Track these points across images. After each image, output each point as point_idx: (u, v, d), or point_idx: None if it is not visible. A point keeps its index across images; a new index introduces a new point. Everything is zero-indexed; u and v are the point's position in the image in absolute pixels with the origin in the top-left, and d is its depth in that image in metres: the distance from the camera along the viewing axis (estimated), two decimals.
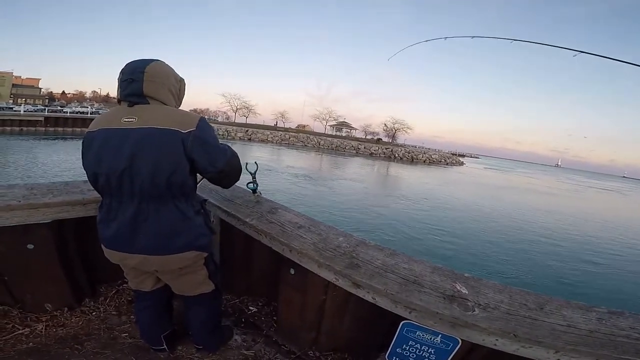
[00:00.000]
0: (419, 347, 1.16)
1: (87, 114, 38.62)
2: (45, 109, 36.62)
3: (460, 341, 1.08)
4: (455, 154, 79.14)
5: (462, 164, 60.24)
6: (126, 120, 1.16)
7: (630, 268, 9.87)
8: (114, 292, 1.94)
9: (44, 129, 29.45)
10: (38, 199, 1.53)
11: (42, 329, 1.59)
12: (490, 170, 61.56)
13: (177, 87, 1.32)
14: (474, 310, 1.03)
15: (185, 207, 1.26)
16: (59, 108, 43.23)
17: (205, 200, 1.48)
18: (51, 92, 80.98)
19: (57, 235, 1.64)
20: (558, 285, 7.66)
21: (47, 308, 1.69)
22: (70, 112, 37.52)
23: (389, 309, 1.16)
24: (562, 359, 0.94)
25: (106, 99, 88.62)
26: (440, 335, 1.10)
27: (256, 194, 1.82)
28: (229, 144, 1.38)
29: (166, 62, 1.29)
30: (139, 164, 1.14)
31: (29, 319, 1.64)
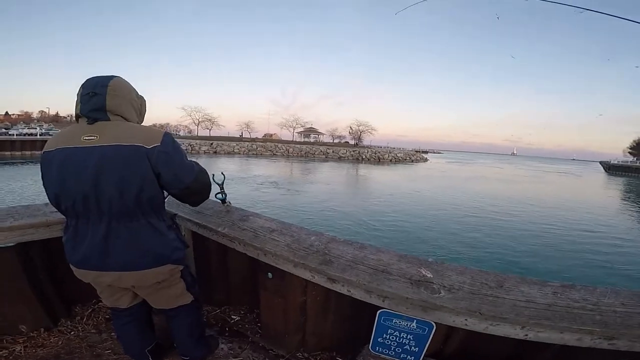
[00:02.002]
0: (398, 335, 1.22)
1: (37, 135, 35.59)
2: None
3: (434, 325, 1.14)
4: (419, 151, 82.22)
5: (426, 160, 62.65)
6: (87, 138, 1.13)
7: (579, 242, 10.81)
8: (90, 311, 1.94)
9: None
10: None
11: (20, 350, 1.61)
12: (452, 163, 64.36)
13: (139, 102, 1.32)
14: (440, 293, 1.09)
15: (157, 223, 1.26)
16: (4, 130, 39.76)
17: (175, 214, 1.53)
18: None
19: (23, 257, 1.66)
20: (513, 266, 8.16)
21: (22, 330, 1.70)
22: (17, 135, 34.59)
23: (365, 300, 1.21)
24: (529, 334, 1.00)
25: (56, 119, 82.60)
26: (415, 321, 1.16)
27: (225, 204, 1.83)
28: (195, 159, 1.38)
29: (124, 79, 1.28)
30: (104, 184, 1.12)
31: (4, 341, 1.65)
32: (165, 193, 1.32)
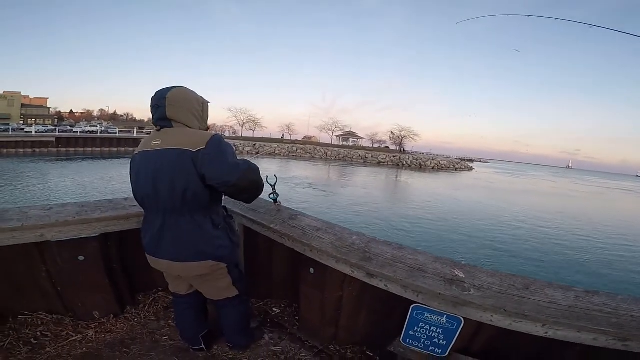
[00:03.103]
0: (429, 328, 1.33)
1: (97, 132, 37.86)
2: (55, 129, 36.32)
3: (462, 320, 1.24)
4: (464, 159, 78.41)
5: (471, 169, 59.56)
6: (154, 143, 1.35)
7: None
8: (151, 299, 2.11)
9: (56, 149, 29.06)
10: (89, 214, 1.72)
11: (92, 335, 1.75)
12: (501, 174, 60.83)
13: (200, 109, 1.44)
14: (470, 291, 1.21)
15: (202, 220, 1.38)
16: (69, 128, 42.86)
17: (228, 215, 1.60)
18: (59, 111, 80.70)
19: (104, 247, 1.82)
20: (543, 272, 8.30)
21: (95, 316, 1.84)
22: (80, 132, 36.87)
23: (400, 294, 1.34)
24: (549, 332, 1.10)
25: (114, 117, 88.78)
26: (445, 316, 1.27)
27: (277, 204, 2.01)
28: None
29: (187, 87, 1.43)
30: (159, 182, 1.31)
31: (80, 326, 1.79)
32: (217, 194, 1.42)
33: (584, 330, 1.05)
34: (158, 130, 1.39)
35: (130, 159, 1.46)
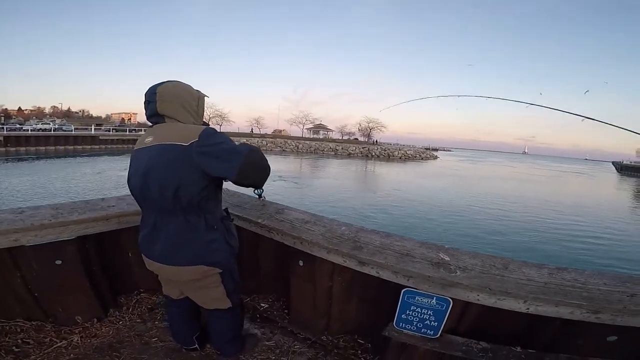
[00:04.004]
0: (420, 311, 1.39)
1: (51, 130, 35.20)
2: (3, 127, 33.02)
3: (451, 301, 1.32)
4: (429, 149, 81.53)
5: (436, 157, 62.09)
6: (147, 140, 1.30)
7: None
8: (134, 301, 2.05)
9: (4, 149, 26.57)
10: (66, 217, 1.66)
11: (78, 340, 1.68)
12: (463, 161, 63.90)
13: (195, 103, 1.36)
14: (456, 272, 1.30)
15: (196, 221, 1.30)
16: (18, 126, 39.16)
17: (227, 216, 1.48)
18: (6, 108, 74.60)
19: (82, 250, 1.75)
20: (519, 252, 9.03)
21: (78, 320, 1.78)
22: (31, 130, 33.96)
23: (391, 280, 1.40)
24: (530, 307, 1.20)
25: (68, 114, 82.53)
26: (435, 298, 1.34)
27: (261, 199, 2.00)
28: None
29: (182, 81, 1.36)
30: (150, 180, 1.25)
31: (63, 331, 1.72)
32: (213, 192, 1.35)
33: (560, 304, 1.16)
34: (151, 127, 1.35)
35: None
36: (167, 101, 1.30)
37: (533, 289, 1.20)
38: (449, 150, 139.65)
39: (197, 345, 1.65)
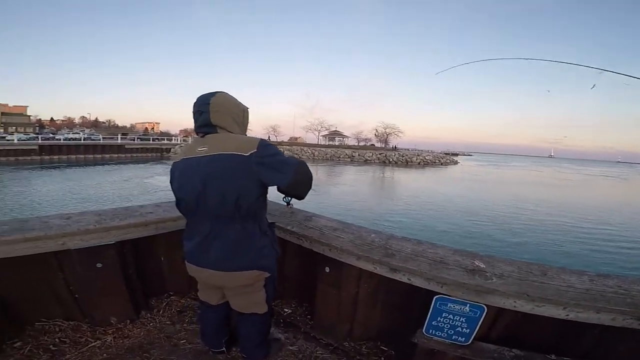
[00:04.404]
0: (452, 318, 1.38)
1: (80, 139, 37.11)
2: (38, 137, 35.37)
3: (485, 308, 1.30)
4: (449, 154, 79.83)
5: (456, 162, 60.59)
6: (200, 149, 1.31)
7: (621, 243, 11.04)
8: (164, 304, 2.12)
9: (39, 157, 28.40)
10: (108, 222, 1.75)
11: (111, 340, 1.75)
12: (485, 166, 62.24)
13: (241, 115, 1.42)
14: (493, 279, 1.28)
15: (252, 228, 1.35)
16: (51, 135, 41.88)
17: (273, 222, 1.56)
18: (40, 119, 78.94)
19: (120, 254, 1.83)
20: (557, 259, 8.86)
21: (112, 321, 1.86)
22: (63, 139, 36.20)
23: (423, 286, 1.40)
24: (570, 314, 1.18)
25: (96, 124, 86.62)
26: (468, 305, 1.33)
27: (289, 206, 1.99)
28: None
29: (228, 93, 1.41)
30: (210, 188, 1.27)
31: (97, 332, 1.80)
32: (264, 200, 1.41)
33: (602, 311, 1.13)
34: (202, 137, 1.36)
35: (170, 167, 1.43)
36: (219, 112, 1.34)
37: (574, 295, 1.18)
38: (469, 155, 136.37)
39: (224, 349, 1.68)
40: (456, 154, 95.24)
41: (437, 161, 54.45)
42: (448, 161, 57.96)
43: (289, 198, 1.96)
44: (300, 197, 1.49)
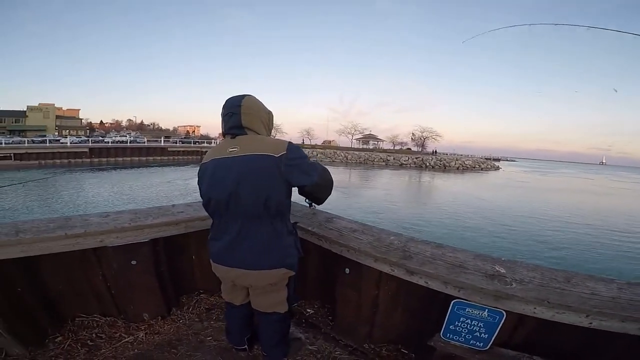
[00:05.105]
0: (470, 322, 1.36)
1: (127, 142, 39.40)
2: (88, 140, 37.32)
3: (504, 314, 1.27)
4: (490, 159, 75.75)
5: (498, 168, 57.41)
6: (231, 150, 1.35)
7: None
8: (194, 301, 2.19)
9: (89, 160, 30.25)
10: (142, 221, 1.82)
11: (143, 336, 1.81)
12: (530, 172, 58.40)
13: (267, 118, 1.46)
14: (512, 285, 1.25)
15: (280, 227, 1.39)
16: (100, 138, 44.47)
17: (296, 222, 1.62)
18: (90, 122, 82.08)
19: (154, 251, 1.89)
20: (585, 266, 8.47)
21: (145, 317, 1.92)
22: (111, 142, 38.24)
23: (440, 290, 1.39)
24: (593, 322, 1.12)
25: (141, 127, 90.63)
26: (486, 310, 1.31)
27: (312, 207, 2.04)
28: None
29: (255, 97, 1.45)
30: (242, 188, 1.30)
31: (131, 327, 1.87)
32: (290, 200, 1.44)
33: (628, 319, 1.07)
34: (232, 138, 1.39)
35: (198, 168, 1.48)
36: (250, 114, 1.38)
37: (598, 303, 1.12)
38: (512, 161, 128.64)
39: (246, 346, 1.74)
40: (498, 159, 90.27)
41: (476, 166, 52.01)
42: (489, 166, 55.09)
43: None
44: (320, 201, 1.55)
